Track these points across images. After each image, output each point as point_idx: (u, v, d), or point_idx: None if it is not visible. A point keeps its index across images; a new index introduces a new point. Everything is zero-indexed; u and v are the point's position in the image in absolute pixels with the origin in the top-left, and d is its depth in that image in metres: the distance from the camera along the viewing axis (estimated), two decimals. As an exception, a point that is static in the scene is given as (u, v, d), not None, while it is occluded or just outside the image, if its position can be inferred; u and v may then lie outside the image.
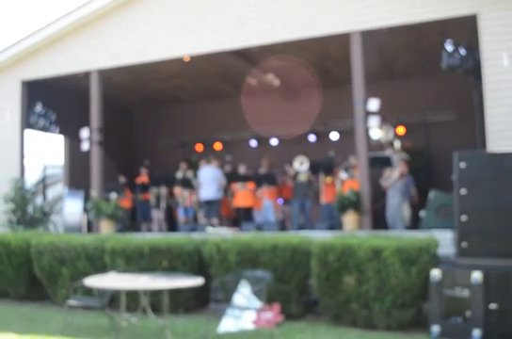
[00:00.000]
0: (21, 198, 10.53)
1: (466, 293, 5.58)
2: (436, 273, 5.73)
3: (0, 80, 11.35)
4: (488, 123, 7.68)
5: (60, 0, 41.22)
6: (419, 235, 6.40)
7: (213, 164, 11.01)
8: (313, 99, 12.18)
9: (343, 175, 9.76)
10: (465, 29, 8.22)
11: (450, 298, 5.66)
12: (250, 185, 10.88)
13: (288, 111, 12.73)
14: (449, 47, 7.97)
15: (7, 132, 11.10)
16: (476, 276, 5.52)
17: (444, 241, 6.44)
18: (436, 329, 5.59)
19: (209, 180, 10.67)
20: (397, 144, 9.78)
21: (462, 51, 7.93)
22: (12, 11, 42.37)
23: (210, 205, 10.72)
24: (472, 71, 8.01)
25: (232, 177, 11.25)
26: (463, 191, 5.93)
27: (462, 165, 5.99)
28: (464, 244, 5.86)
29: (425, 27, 8.66)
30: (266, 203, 10.69)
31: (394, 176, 9.33)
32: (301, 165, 10.31)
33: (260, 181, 10.70)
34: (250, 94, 12.47)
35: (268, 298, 5.72)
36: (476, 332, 5.39)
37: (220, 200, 10.82)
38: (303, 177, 10.37)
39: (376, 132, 8.42)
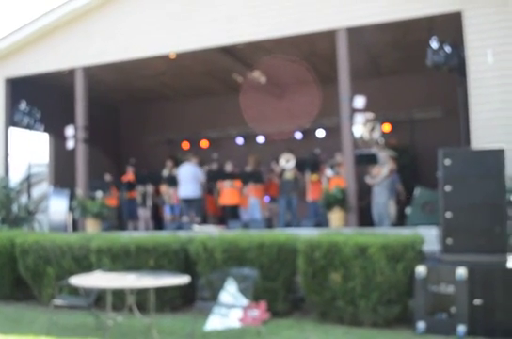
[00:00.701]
0: (5, 197, 10.43)
1: (451, 289, 5.62)
2: (421, 270, 5.76)
3: (-17, 78, 11.25)
4: (472, 120, 7.74)
5: (45, -3, 40.81)
6: (404, 232, 6.43)
7: (192, 161, 10.91)
8: (300, 96, 12.18)
9: (329, 172, 9.79)
10: (450, 26, 8.26)
11: (435, 295, 5.70)
12: (237, 183, 10.86)
13: (275, 108, 12.73)
14: (434, 44, 8.00)
15: (-10, 130, 11.00)
16: (461, 272, 5.57)
17: (430, 238, 6.48)
18: (421, 325, 5.63)
19: (188, 178, 10.54)
20: (381, 141, 9.81)
21: (447, 48, 7.96)
22: (-4, 8, 41.86)
23: (189, 203, 10.61)
24: (456, 68, 8.05)
25: (218, 175, 11.22)
26: (448, 188, 5.97)
27: (447, 162, 6.02)
28: (449, 240, 5.90)
29: (411, 24, 8.70)
30: (253, 201, 10.68)
31: (383, 173, 9.37)
32: (287, 162, 10.32)
33: (246, 179, 10.67)
34: (237, 91, 12.44)
35: (255, 295, 5.72)
36: (461, 328, 5.43)
37: (200, 198, 10.67)
38: (289, 175, 10.37)
39: (360, 129, 8.45)
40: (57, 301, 6.20)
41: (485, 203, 5.84)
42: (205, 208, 11.69)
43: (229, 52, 10.22)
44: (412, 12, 8.15)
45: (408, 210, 8.28)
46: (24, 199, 11.08)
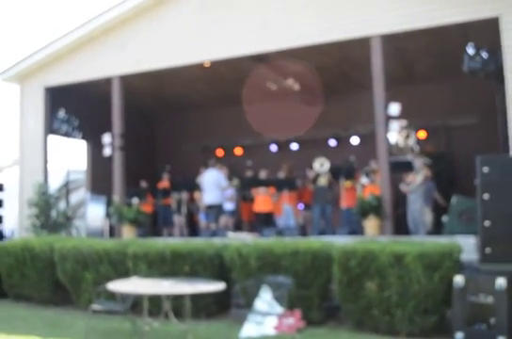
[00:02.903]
0: (44, 202, 10.68)
1: (490, 299, 5.50)
2: (459, 279, 5.66)
3: (24, 86, 11.56)
4: (510, 127, 7.59)
5: (82, 7, 41.84)
6: (441, 241, 6.34)
7: (217, 167, 10.82)
8: (333, 103, 12.15)
9: (363, 180, 9.72)
10: (487, 32, 8.13)
11: (474, 305, 5.58)
12: (272, 190, 10.84)
13: (308, 116, 12.71)
14: (470, 50, 7.91)
15: (30, 137, 11.30)
16: (501, 282, 5.45)
17: (467, 247, 6.37)
18: (460, 335, 5.53)
19: (211, 184, 10.42)
20: (416, 148, 9.70)
21: (484, 54, 7.86)
22: (35, 18, 43.07)
23: (211, 210, 10.50)
24: (494, 74, 7.93)
25: (252, 182, 11.24)
26: (486, 196, 5.87)
27: (485, 169, 5.92)
28: (488, 250, 5.79)
29: (446, 30, 8.58)
30: (287, 208, 10.66)
31: (418, 181, 9.27)
32: (322, 166, 10.28)
33: (280, 186, 10.64)
34: (270, 99, 12.48)
35: (289, 303, 5.73)
36: (501, 340, 5.32)
37: (220, 204, 10.50)
38: (323, 180, 10.31)
39: (395, 136, 8.38)
40: (95, 306, 6.29)
41: (524, 212, 5.72)
42: (240, 215, 11.72)
43: (262, 60, 10.27)
44: (448, 19, 8.03)
45: (445, 218, 8.16)
46: (62, 205, 11.34)
